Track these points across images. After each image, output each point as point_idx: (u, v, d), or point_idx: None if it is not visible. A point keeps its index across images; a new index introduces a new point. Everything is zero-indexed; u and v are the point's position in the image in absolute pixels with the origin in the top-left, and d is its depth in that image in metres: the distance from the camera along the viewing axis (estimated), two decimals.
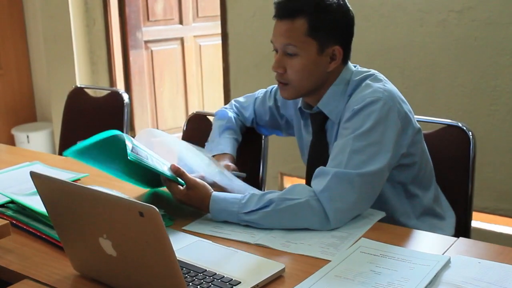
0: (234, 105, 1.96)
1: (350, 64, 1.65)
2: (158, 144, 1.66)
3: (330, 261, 1.28)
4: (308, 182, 1.69)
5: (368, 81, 1.58)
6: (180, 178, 1.54)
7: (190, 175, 1.54)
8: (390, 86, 1.58)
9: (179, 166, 1.53)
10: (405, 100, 1.60)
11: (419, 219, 1.64)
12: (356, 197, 1.44)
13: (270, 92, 1.89)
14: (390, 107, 1.51)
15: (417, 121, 1.92)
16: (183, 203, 1.54)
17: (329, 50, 1.56)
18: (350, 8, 1.61)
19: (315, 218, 1.43)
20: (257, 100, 1.92)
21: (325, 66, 1.58)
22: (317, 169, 1.49)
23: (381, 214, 1.52)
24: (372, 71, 1.63)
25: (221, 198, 1.51)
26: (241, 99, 1.97)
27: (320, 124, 1.65)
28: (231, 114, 1.92)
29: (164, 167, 1.52)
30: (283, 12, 1.55)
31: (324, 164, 1.53)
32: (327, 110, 1.61)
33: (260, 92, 1.93)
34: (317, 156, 1.68)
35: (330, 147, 1.64)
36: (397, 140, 1.51)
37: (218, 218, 1.51)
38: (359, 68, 1.66)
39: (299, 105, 1.71)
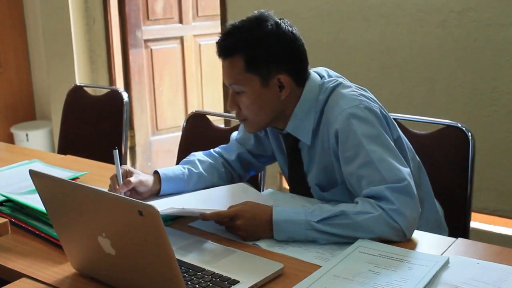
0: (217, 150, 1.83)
1: (313, 79, 1.58)
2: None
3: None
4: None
5: (337, 90, 1.54)
6: (218, 219, 1.45)
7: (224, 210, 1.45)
8: (359, 89, 1.56)
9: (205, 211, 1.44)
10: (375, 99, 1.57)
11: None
12: (416, 202, 1.40)
13: None
14: (370, 108, 1.48)
15: (417, 121, 1.92)
16: (246, 233, 1.41)
17: (274, 81, 1.52)
18: (289, 30, 1.53)
19: (393, 232, 1.36)
20: (238, 133, 1.83)
21: (275, 96, 1.53)
22: (367, 192, 1.41)
23: None
24: (339, 79, 1.59)
25: (284, 209, 1.43)
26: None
27: (292, 145, 1.63)
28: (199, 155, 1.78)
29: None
30: (221, 52, 1.54)
31: (302, 183, 1.61)
32: (297, 133, 1.58)
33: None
34: (295, 175, 1.67)
35: (305, 165, 1.62)
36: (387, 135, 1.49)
37: (283, 233, 1.40)
38: (324, 80, 1.59)
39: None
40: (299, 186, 1.69)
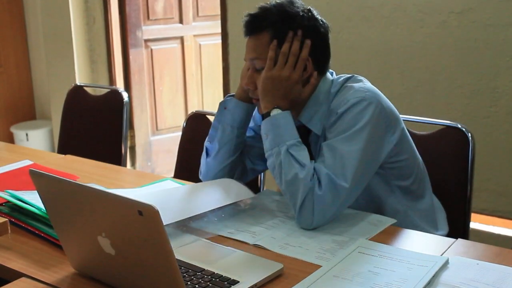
0: None
1: (328, 73, 1.61)
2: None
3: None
4: None
5: (347, 84, 1.56)
6: None
7: None
8: (369, 84, 1.57)
9: None
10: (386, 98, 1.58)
11: (417, 215, 1.63)
12: (339, 205, 1.45)
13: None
14: (374, 106, 1.49)
15: (417, 122, 1.93)
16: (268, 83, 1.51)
17: None
18: (319, 18, 1.57)
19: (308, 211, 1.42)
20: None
21: None
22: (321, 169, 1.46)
23: (391, 221, 1.49)
24: (350, 74, 1.61)
25: (289, 118, 1.50)
26: None
27: (303, 139, 1.59)
28: None
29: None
30: (248, 29, 1.57)
31: None
32: (310, 124, 1.58)
33: None
34: None
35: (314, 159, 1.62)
36: (382, 138, 1.51)
37: (270, 126, 1.49)
38: (336, 76, 1.63)
39: None
40: None
